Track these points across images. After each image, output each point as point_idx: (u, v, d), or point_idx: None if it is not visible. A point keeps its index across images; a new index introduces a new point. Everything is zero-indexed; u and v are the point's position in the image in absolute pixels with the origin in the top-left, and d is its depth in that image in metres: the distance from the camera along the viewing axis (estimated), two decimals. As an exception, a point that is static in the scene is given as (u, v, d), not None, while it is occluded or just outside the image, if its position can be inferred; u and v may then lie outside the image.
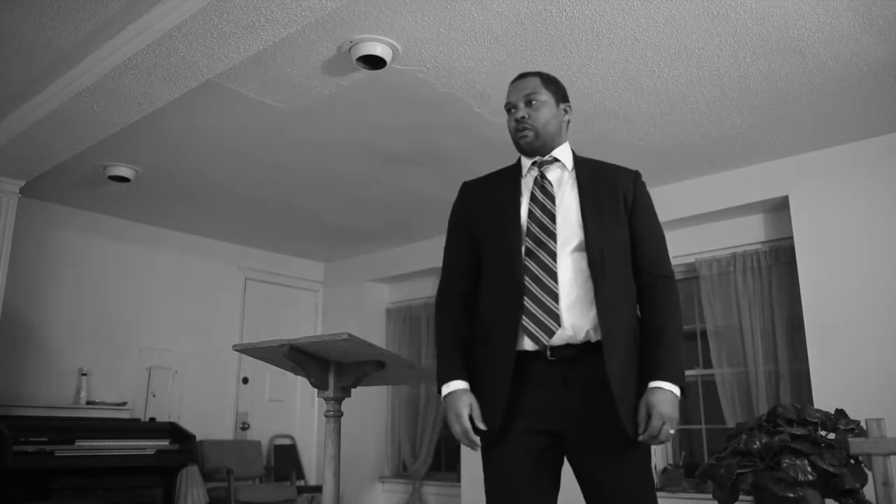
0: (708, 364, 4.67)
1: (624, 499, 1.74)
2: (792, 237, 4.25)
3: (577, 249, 1.81)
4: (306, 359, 2.21)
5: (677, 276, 5.25)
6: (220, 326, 6.13)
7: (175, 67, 3.07)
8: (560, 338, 1.76)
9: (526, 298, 1.78)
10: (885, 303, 3.84)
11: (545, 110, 1.93)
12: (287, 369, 2.42)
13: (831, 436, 3.07)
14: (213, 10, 2.65)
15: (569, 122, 2.01)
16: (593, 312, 1.77)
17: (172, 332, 5.80)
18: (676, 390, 1.73)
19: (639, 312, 1.87)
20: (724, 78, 3.40)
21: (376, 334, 6.59)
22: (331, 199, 5.21)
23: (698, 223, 4.75)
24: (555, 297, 1.77)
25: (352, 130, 4.05)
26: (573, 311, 1.77)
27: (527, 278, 1.79)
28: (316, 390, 2.31)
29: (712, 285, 4.68)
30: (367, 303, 6.66)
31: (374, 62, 3.15)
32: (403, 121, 3.90)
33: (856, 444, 2.47)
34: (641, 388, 1.76)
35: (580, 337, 1.77)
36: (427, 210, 5.41)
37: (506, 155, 4.37)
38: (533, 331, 1.76)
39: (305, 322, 6.85)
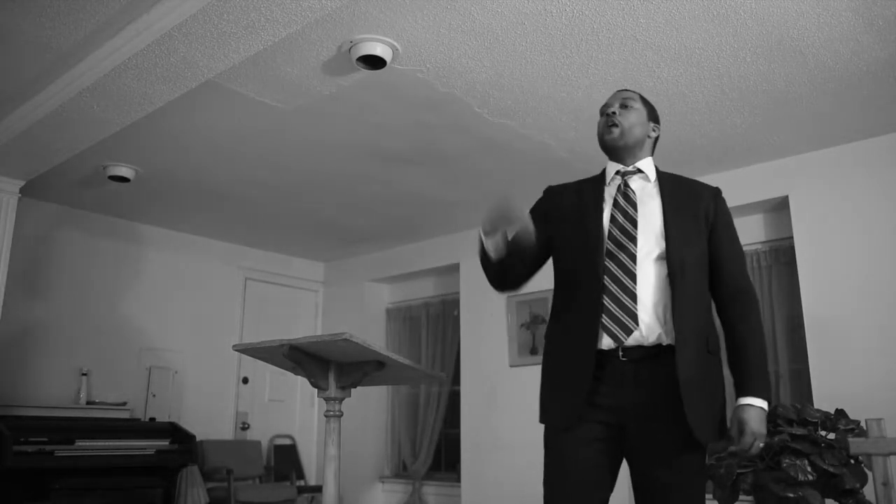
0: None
1: (673, 493, 1.80)
2: (792, 237, 4.25)
3: (658, 258, 1.89)
4: (306, 359, 2.20)
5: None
6: (220, 326, 6.13)
7: (175, 67, 3.07)
8: (633, 338, 1.83)
9: (605, 297, 1.85)
10: (885, 303, 3.84)
11: (635, 115, 2.04)
12: (287, 369, 2.42)
13: (831, 436, 3.07)
14: (213, 10, 2.65)
15: (656, 140, 2.10)
16: (667, 317, 1.85)
17: (172, 332, 5.80)
18: (764, 405, 1.82)
19: (717, 322, 1.95)
20: (724, 78, 3.40)
21: (376, 334, 6.59)
22: (331, 199, 5.21)
23: (698, 223, 4.74)
24: (633, 297, 1.84)
25: (352, 130, 4.05)
26: (649, 314, 1.84)
27: (606, 278, 1.87)
28: (316, 390, 2.31)
29: (712, 285, 4.67)
30: (367, 303, 6.66)
31: (374, 62, 3.15)
32: (403, 121, 3.90)
33: (856, 444, 2.47)
34: (715, 395, 1.85)
35: (651, 339, 1.84)
36: (427, 210, 5.41)
37: (506, 155, 4.36)
38: (612, 329, 1.83)
39: (305, 322, 6.85)
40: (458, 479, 5.60)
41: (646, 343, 1.83)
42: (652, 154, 2.09)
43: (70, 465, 4.46)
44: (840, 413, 3.17)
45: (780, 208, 4.43)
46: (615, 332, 1.82)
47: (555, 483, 1.87)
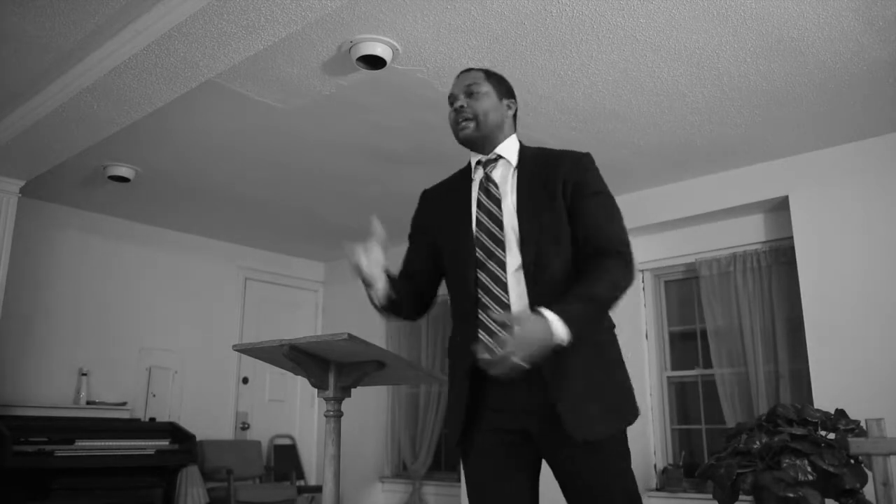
0: (708, 364, 4.67)
1: (597, 492, 1.72)
2: (792, 237, 4.25)
3: (518, 255, 1.76)
4: (306, 359, 2.20)
5: (677, 276, 5.23)
6: (220, 326, 6.13)
7: (175, 67, 3.07)
8: None
9: (480, 312, 1.75)
10: (885, 303, 3.84)
11: (485, 100, 1.88)
12: (287, 369, 2.42)
13: (831, 436, 3.07)
14: (212, 10, 2.65)
15: (514, 116, 1.96)
16: None
17: (172, 332, 5.80)
18: (560, 328, 1.56)
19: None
20: (724, 78, 3.40)
21: (376, 334, 6.58)
22: (331, 199, 5.21)
23: (698, 223, 4.75)
24: (507, 308, 1.72)
25: (352, 130, 4.05)
26: None
27: (480, 291, 1.76)
28: (316, 390, 2.31)
29: (712, 285, 4.68)
30: (367, 303, 6.64)
31: (374, 62, 3.15)
32: (403, 121, 3.90)
33: (856, 444, 2.47)
34: (603, 383, 1.72)
35: None
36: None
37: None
38: (490, 345, 1.70)
39: (305, 322, 6.85)
40: (458, 479, 5.60)
41: None
42: (515, 129, 1.94)
43: (70, 465, 4.46)
44: (840, 413, 3.16)
45: (780, 208, 4.43)
46: (493, 348, 1.65)
47: (476, 501, 1.80)
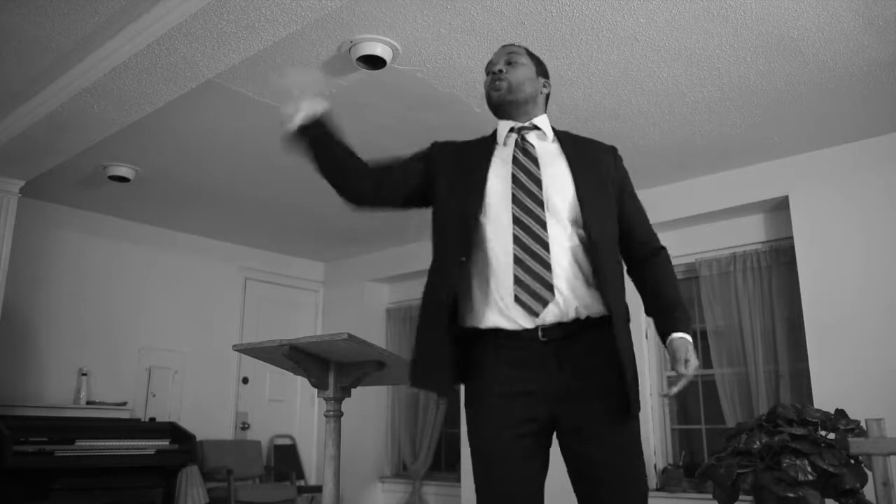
0: (708, 364, 4.66)
1: (619, 477, 1.71)
2: (792, 237, 4.25)
3: (571, 223, 1.77)
4: (306, 359, 2.21)
5: (677, 276, 5.26)
6: (220, 326, 6.13)
7: (175, 67, 3.07)
8: (552, 316, 1.70)
9: (517, 268, 1.72)
10: (885, 303, 3.84)
11: (523, 70, 1.92)
12: (287, 369, 2.42)
13: (831, 436, 3.07)
14: (213, 10, 2.66)
15: (548, 96, 2.00)
16: (584, 289, 1.74)
17: (172, 332, 5.80)
18: (690, 339, 1.82)
19: (632, 283, 1.91)
20: (724, 78, 3.40)
21: (376, 334, 6.59)
22: (331, 199, 5.16)
23: (698, 223, 4.75)
24: (548, 266, 1.71)
25: (352, 130, 4.00)
26: (566, 286, 1.72)
27: (516, 247, 1.74)
28: (316, 390, 2.32)
29: (712, 285, 4.68)
30: (367, 303, 6.66)
31: (374, 62, 3.15)
32: (403, 121, 3.90)
33: (856, 444, 2.47)
34: (635, 364, 1.77)
35: (570, 314, 1.72)
36: (427, 210, 5.41)
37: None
38: (528, 302, 1.69)
39: (305, 322, 6.85)
40: (458, 479, 5.60)
41: (566, 319, 1.71)
42: (545, 111, 1.97)
43: (70, 465, 4.46)
44: (840, 413, 3.17)
45: (780, 208, 4.43)
46: (531, 305, 1.69)
47: (486, 489, 1.82)
